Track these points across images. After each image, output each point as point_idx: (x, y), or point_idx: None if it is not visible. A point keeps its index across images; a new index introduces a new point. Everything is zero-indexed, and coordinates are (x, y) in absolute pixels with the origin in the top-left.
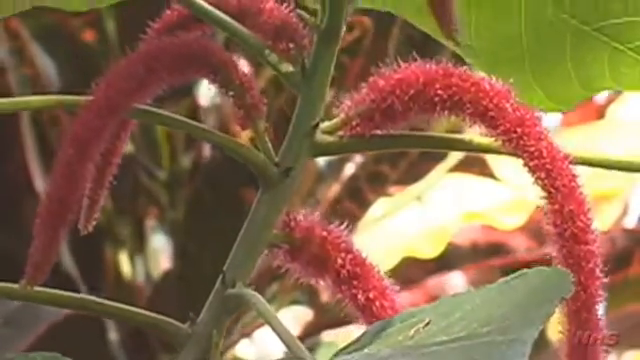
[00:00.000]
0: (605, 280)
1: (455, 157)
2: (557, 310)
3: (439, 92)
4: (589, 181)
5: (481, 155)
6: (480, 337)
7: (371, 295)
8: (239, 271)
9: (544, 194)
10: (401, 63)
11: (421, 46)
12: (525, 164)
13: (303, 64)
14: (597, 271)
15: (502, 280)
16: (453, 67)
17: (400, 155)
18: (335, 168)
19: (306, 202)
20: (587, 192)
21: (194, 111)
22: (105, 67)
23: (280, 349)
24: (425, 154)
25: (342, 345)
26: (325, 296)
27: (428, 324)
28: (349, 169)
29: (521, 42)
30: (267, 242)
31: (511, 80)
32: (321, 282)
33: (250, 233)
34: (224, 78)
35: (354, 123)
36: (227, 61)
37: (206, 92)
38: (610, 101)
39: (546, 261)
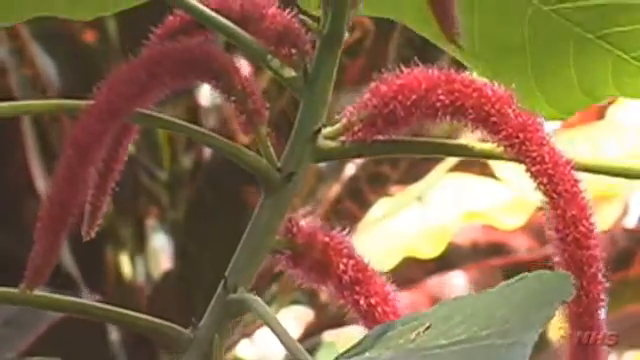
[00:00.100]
0: (607, 285)
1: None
2: (558, 312)
3: (441, 98)
4: (589, 181)
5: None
6: (480, 340)
7: (373, 301)
8: (241, 276)
9: (546, 199)
10: (402, 67)
11: (422, 47)
12: (527, 169)
13: (305, 69)
14: (599, 276)
15: (502, 283)
16: (455, 73)
17: None
18: (335, 169)
19: (306, 202)
20: (588, 193)
21: (194, 111)
22: (106, 68)
23: (280, 350)
24: None
25: (342, 346)
26: (325, 296)
27: (429, 327)
28: (349, 169)
29: (524, 49)
30: (269, 247)
31: (513, 86)
32: (323, 287)
33: (252, 238)
34: (226, 84)
35: (356, 128)
36: (229, 67)
37: (206, 92)
38: (610, 102)
39: (547, 261)
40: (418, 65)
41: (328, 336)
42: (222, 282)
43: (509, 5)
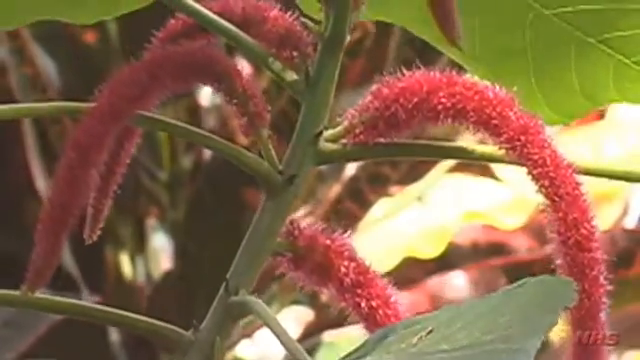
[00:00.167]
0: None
1: None
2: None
3: (443, 100)
4: (590, 181)
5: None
6: (483, 345)
7: (374, 303)
8: (242, 279)
9: (547, 202)
10: (403, 67)
11: (422, 47)
12: (529, 172)
13: (307, 72)
14: (601, 278)
15: (504, 289)
16: (457, 75)
17: None
18: (336, 169)
19: (307, 203)
20: (589, 196)
21: (195, 111)
22: (106, 68)
23: (281, 350)
24: None
25: (342, 346)
26: (326, 297)
27: (431, 332)
28: (350, 170)
29: (525, 53)
30: (270, 250)
31: (514, 89)
32: (324, 290)
33: (254, 241)
34: (228, 87)
35: (358, 131)
36: (231, 70)
37: (207, 92)
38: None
39: (547, 261)
40: (418, 66)
41: (328, 336)
42: (223, 285)
43: (510, 9)
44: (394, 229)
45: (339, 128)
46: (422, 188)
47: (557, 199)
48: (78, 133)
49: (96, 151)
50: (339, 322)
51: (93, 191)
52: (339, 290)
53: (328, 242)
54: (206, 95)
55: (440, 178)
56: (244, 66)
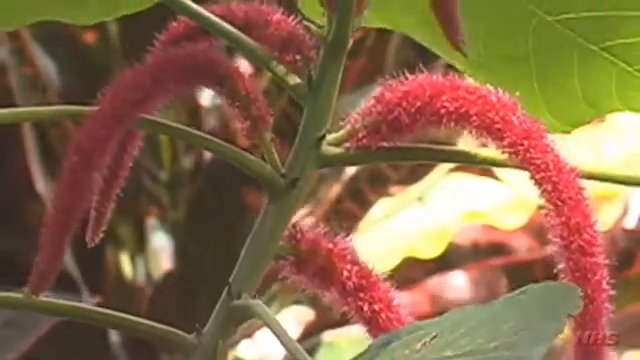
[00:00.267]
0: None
1: None
2: None
3: (446, 104)
4: (590, 181)
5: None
6: (487, 352)
7: (377, 307)
8: (245, 282)
9: (550, 206)
10: (403, 68)
11: (422, 48)
12: (531, 177)
13: (310, 76)
14: (604, 283)
15: (508, 295)
16: (460, 79)
17: None
18: (336, 169)
19: (307, 202)
20: (590, 199)
21: (195, 111)
22: (106, 68)
23: (281, 350)
24: None
25: (342, 346)
26: (326, 297)
27: (435, 338)
28: (350, 170)
29: (528, 59)
30: (273, 254)
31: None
32: (327, 293)
33: (256, 244)
34: (230, 90)
35: (360, 135)
36: (233, 73)
37: (207, 93)
38: None
39: (547, 261)
40: (419, 66)
41: (328, 336)
42: (226, 288)
43: (513, 15)
44: (394, 229)
45: (342, 132)
46: (422, 188)
47: (560, 204)
48: (81, 137)
49: (99, 155)
50: (339, 322)
51: (96, 194)
52: (341, 294)
53: (330, 246)
54: (207, 95)
55: (441, 178)
56: (245, 67)
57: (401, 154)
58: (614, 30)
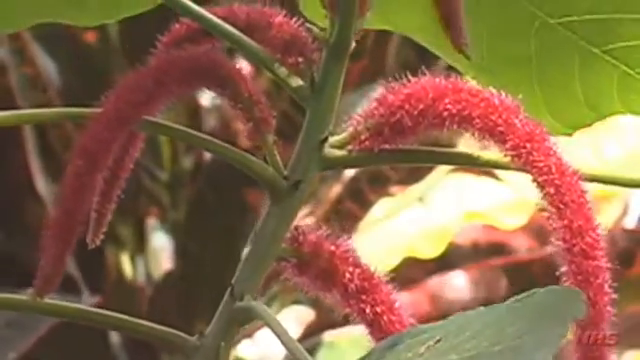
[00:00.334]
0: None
1: None
2: None
3: (448, 107)
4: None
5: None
6: (492, 356)
7: (379, 309)
8: (247, 284)
9: (552, 209)
10: (403, 68)
11: (422, 48)
12: (534, 180)
13: (312, 78)
14: (606, 287)
15: (512, 299)
16: (462, 82)
17: None
18: (337, 169)
19: (307, 203)
20: (592, 202)
21: (195, 111)
22: (106, 68)
23: (281, 350)
24: None
25: (343, 345)
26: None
27: (439, 341)
28: (350, 170)
29: (530, 62)
30: (275, 256)
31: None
32: (329, 296)
33: (259, 246)
34: (233, 92)
35: (363, 137)
36: (236, 75)
37: (207, 93)
38: None
39: (547, 261)
40: (419, 67)
41: (328, 336)
42: (228, 290)
43: (515, 17)
44: (395, 229)
45: (344, 134)
46: (423, 188)
47: (562, 207)
48: (85, 139)
49: (103, 157)
50: (340, 322)
51: (96, 196)
52: (343, 296)
53: (333, 248)
54: (207, 96)
55: (441, 178)
56: (245, 68)
57: (403, 156)
58: (616, 33)
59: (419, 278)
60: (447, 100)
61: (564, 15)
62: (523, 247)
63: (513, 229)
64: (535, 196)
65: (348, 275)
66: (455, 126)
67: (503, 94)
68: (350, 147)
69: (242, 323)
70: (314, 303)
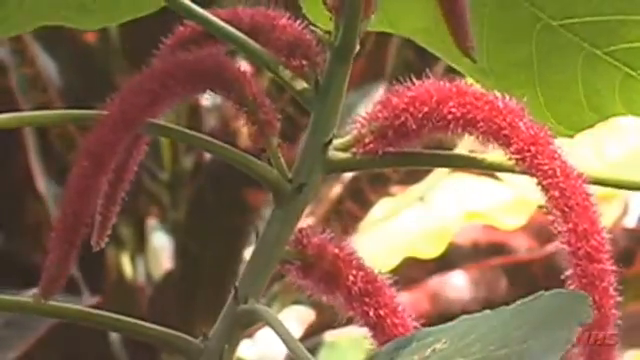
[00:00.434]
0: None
1: None
2: None
3: (452, 110)
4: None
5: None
6: None
7: (382, 312)
8: (251, 287)
9: (557, 212)
10: (403, 69)
11: (422, 48)
12: (538, 183)
13: (317, 81)
14: (611, 290)
15: (518, 302)
16: (466, 85)
17: None
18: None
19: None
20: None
21: (195, 111)
22: (106, 68)
23: (282, 350)
24: None
25: (343, 346)
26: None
27: (445, 344)
28: None
29: (532, 64)
30: (279, 258)
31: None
32: (332, 298)
33: (263, 249)
34: (237, 95)
35: (367, 140)
36: (241, 78)
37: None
38: None
39: (547, 261)
40: (419, 67)
41: (329, 336)
42: (232, 293)
43: (517, 19)
44: (395, 229)
45: (348, 137)
46: (423, 188)
47: (567, 210)
48: (90, 142)
49: (108, 159)
50: (340, 322)
51: (101, 198)
52: (347, 299)
53: (337, 251)
54: (207, 95)
55: (441, 178)
56: (246, 69)
57: (407, 159)
58: (618, 35)
59: (419, 278)
60: (451, 103)
61: (566, 17)
62: (523, 247)
63: (513, 229)
64: (535, 196)
65: (352, 278)
66: (459, 129)
67: (507, 97)
68: (354, 150)
69: (246, 326)
70: (315, 303)
